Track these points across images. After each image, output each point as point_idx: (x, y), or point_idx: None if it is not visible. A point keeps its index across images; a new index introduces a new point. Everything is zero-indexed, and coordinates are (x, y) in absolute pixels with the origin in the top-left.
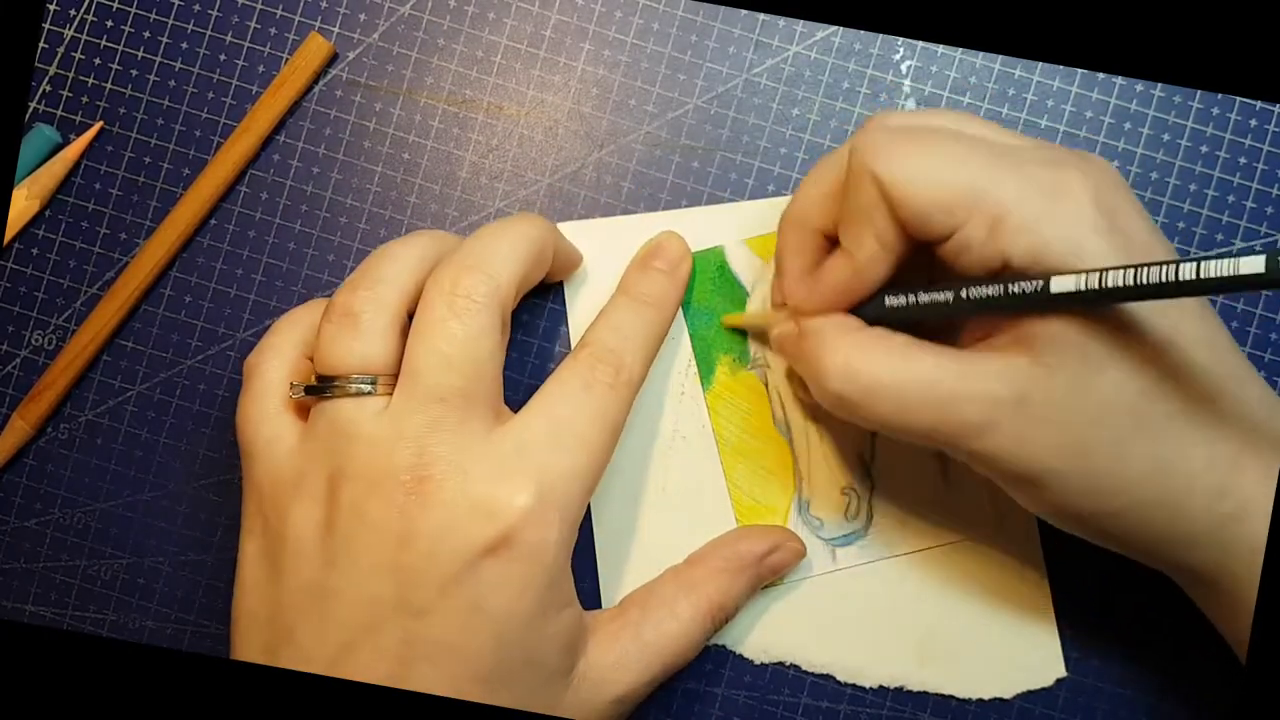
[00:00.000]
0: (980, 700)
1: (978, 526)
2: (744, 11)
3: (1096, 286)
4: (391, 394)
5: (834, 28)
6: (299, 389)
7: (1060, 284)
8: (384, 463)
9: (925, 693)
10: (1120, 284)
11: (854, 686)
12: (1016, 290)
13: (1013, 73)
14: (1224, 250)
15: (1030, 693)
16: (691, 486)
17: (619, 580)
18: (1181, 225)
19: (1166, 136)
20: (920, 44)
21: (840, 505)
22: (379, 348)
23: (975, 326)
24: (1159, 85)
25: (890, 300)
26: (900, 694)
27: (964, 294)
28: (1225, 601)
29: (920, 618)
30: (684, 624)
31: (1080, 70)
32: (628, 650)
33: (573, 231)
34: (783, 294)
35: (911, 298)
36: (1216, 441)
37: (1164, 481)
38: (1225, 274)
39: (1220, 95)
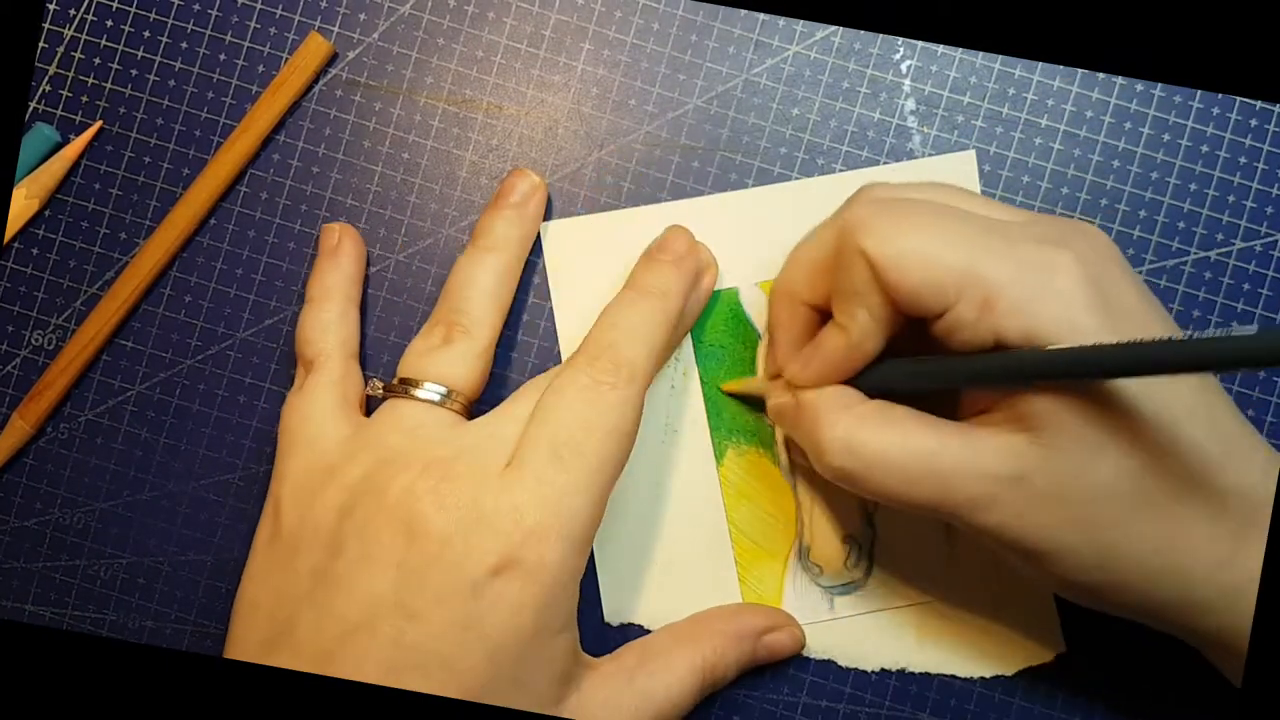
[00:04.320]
0: (982, 679)
1: (981, 581)
2: (744, 11)
3: (1084, 362)
4: (459, 411)
5: (834, 28)
6: (377, 387)
7: (1048, 361)
8: (422, 454)
9: (927, 674)
10: (1108, 362)
11: (854, 684)
12: (1007, 366)
13: (1013, 73)
14: (1224, 250)
15: (1031, 669)
16: (693, 527)
17: (621, 593)
18: (1182, 225)
19: (1166, 136)
20: (920, 44)
21: (841, 554)
22: (461, 370)
23: (972, 399)
24: (1159, 85)
25: (885, 372)
26: (900, 691)
27: (956, 368)
28: (1241, 665)
29: (921, 660)
30: (677, 676)
31: (1080, 70)
32: (619, 693)
33: (557, 229)
34: (777, 365)
35: (905, 371)
36: (1219, 518)
37: (1168, 555)
38: (1213, 353)
39: (1220, 95)
